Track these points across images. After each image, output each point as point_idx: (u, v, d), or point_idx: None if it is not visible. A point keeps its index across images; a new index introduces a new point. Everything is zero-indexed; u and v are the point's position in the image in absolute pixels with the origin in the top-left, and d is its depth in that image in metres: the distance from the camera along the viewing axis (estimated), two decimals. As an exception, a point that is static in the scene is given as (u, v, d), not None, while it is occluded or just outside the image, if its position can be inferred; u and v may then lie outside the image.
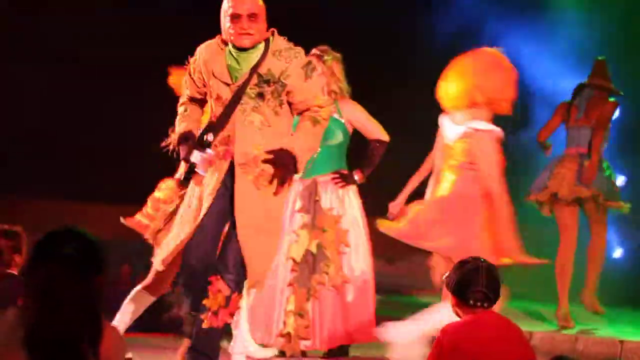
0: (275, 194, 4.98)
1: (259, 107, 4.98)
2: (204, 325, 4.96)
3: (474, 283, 3.88)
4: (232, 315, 5.06)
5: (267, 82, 4.95)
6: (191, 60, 5.17)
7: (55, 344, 2.82)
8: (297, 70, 5.00)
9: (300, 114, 5.12)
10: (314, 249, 6.21)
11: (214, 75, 5.05)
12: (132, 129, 10.04)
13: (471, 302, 3.89)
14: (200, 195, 5.06)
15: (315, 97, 5.07)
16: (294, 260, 6.21)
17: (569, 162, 7.33)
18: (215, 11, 5.19)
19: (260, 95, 4.97)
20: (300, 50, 5.08)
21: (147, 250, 6.67)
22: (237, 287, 5.04)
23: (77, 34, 10.01)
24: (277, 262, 5.97)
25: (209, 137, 5.01)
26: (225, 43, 5.06)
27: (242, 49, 4.99)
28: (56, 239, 2.95)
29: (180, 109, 5.28)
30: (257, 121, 4.98)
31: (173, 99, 5.60)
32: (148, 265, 5.91)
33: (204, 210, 5.02)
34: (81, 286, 2.89)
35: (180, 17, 10.01)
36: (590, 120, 7.36)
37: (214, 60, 5.06)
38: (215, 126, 5.04)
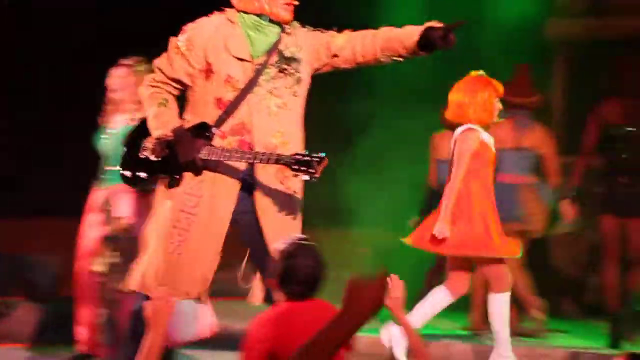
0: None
1: (276, 89, 4.50)
2: None
3: (294, 280, 3.72)
4: None
5: (288, 59, 4.54)
6: (180, 38, 4.54)
7: None
8: (304, 37, 4.60)
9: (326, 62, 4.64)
10: None
11: (228, 51, 4.50)
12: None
13: (288, 295, 3.77)
14: (209, 196, 4.43)
15: (324, 33, 4.65)
16: None
17: None
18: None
19: (282, 74, 4.50)
20: (296, 22, 4.63)
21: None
22: None
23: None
24: None
25: (214, 130, 4.43)
26: (239, 14, 4.54)
27: (271, 22, 4.53)
28: None
29: (156, 100, 4.57)
30: (273, 105, 4.48)
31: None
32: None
33: (224, 213, 4.43)
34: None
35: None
36: None
37: (226, 35, 4.51)
38: (224, 114, 4.46)
